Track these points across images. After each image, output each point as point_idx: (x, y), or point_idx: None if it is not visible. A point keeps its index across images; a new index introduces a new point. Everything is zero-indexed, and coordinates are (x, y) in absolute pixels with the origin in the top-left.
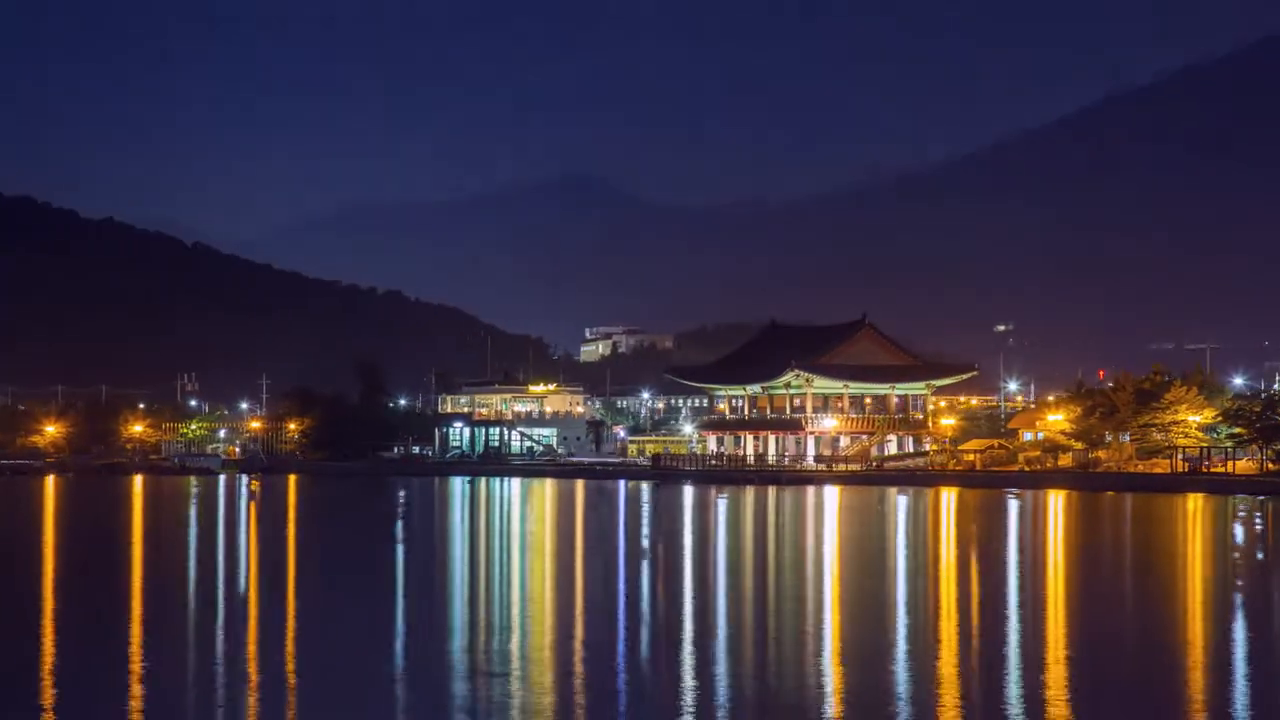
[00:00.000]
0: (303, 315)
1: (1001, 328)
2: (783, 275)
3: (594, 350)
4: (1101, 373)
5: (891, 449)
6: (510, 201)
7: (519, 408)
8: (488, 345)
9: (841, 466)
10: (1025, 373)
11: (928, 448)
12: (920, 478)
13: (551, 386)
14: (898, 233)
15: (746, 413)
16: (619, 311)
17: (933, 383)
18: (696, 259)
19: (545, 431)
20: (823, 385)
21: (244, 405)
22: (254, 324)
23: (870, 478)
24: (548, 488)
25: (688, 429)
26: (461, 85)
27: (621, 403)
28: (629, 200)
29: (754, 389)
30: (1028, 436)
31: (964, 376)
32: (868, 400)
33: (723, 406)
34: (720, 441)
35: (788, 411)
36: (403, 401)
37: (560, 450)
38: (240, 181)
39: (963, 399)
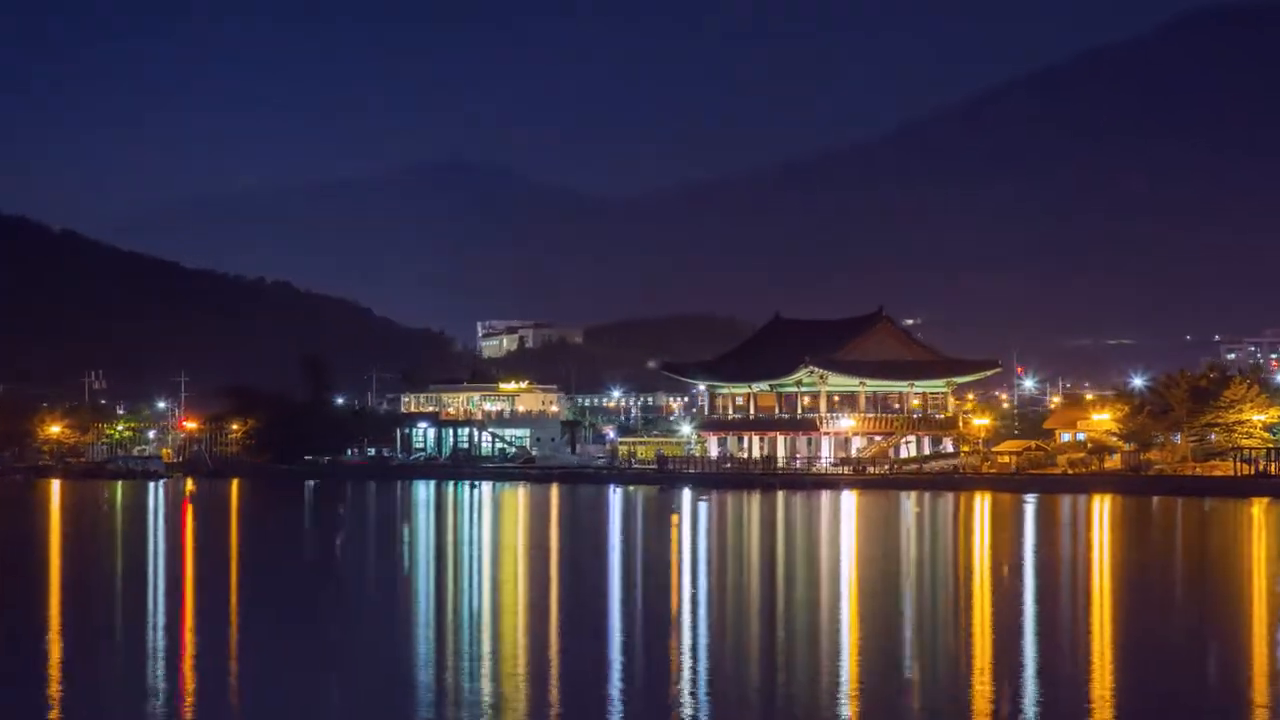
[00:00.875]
0: (198, 308)
1: (910, 322)
2: (696, 266)
3: (497, 345)
4: (1021, 369)
5: (910, 451)
6: (396, 188)
7: (489, 407)
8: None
9: (869, 470)
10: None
11: (950, 448)
12: (954, 481)
13: (524, 384)
14: (807, 218)
15: (752, 412)
16: (515, 305)
17: (953, 380)
18: (593, 249)
19: (518, 432)
20: (838, 382)
21: (161, 404)
22: (144, 317)
23: (896, 481)
24: (553, 497)
25: (685, 429)
26: (342, 66)
27: (586, 401)
28: (524, 188)
29: (760, 386)
30: (1065, 437)
31: (986, 373)
32: (889, 399)
33: (718, 403)
34: (722, 443)
35: (799, 411)
36: (357, 401)
37: (535, 451)
38: (110, 166)
39: (1000, 396)
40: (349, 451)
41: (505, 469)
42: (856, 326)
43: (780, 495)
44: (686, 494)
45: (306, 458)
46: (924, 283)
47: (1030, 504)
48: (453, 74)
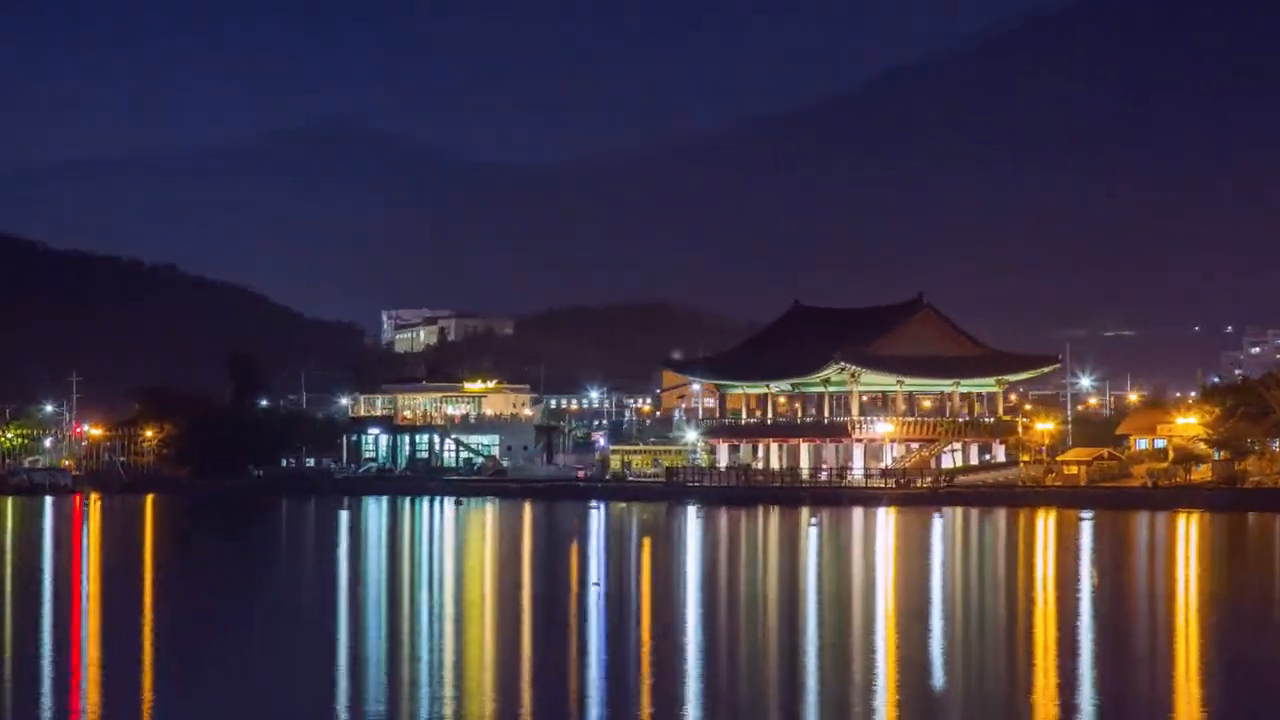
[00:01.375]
0: (71, 295)
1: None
2: (629, 246)
3: (413, 338)
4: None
5: (954, 460)
6: (280, 157)
7: (451, 410)
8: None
9: (914, 483)
10: None
11: (1001, 457)
12: (1013, 495)
13: (492, 384)
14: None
15: (770, 415)
16: (427, 293)
17: (1005, 378)
18: (511, 228)
19: (485, 439)
20: (871, 381)
21: (49, 408)
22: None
23: (945, 496)
24: (525, 518)
25: (690, 436)
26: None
27: (555, 402)
28: (430, 158)
29: (780, 386)
30: (1141, 444)
31: (1044, 370)
32: (930, 400)
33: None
34: (735, 451)
35: (827, 414)
36: (282, 403)
37: (507, 462)
38: None
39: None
40: (285, 462)
41: (472, 481)
42: (892, 316)
43: (805, 513)
44: (691, 512)
45: (253, 469)
46: (885, 267)
47: (1088, 521)
48: (344, 34)
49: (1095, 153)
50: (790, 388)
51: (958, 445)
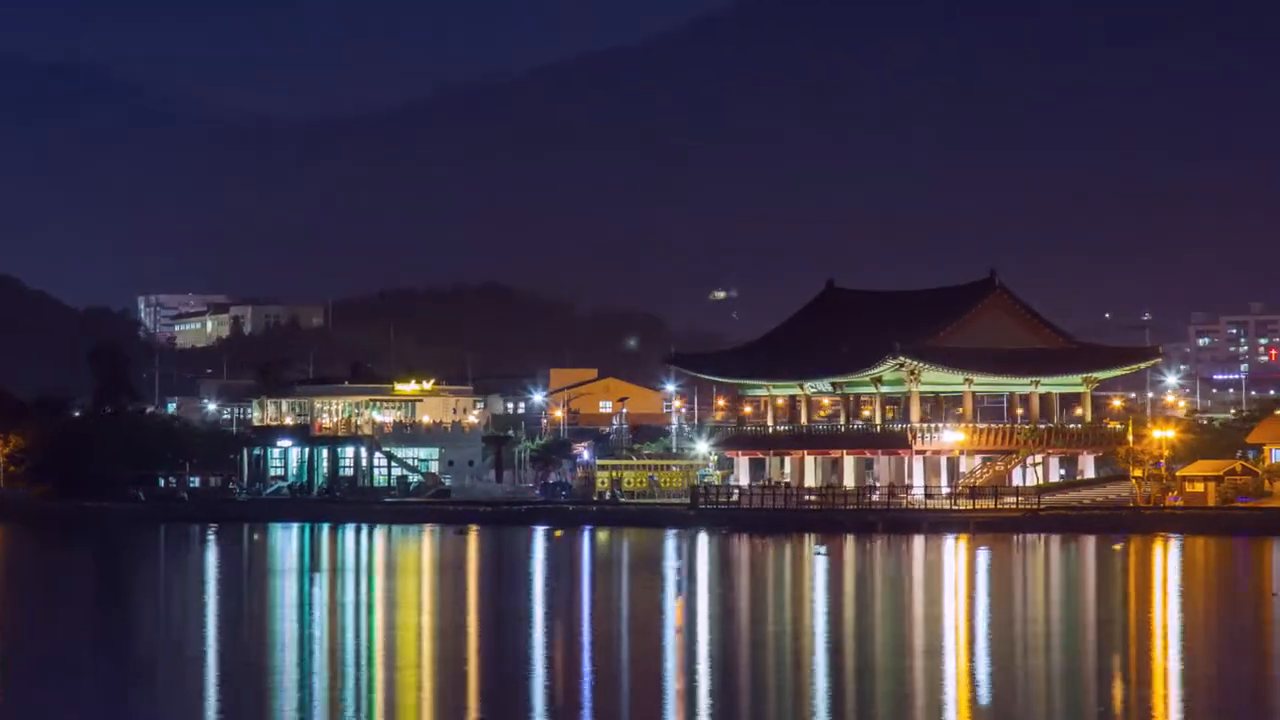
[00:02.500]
0: None
1: (720, 295)
2: (428, 213)
3: (200, 330)
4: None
5: (1032, 477)
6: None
7: (380, 417)
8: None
9: (987, 503)
10: None
11: (1090, 471)
12: (1123, 520)
13: (428, 384)
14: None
15: (804, 422)
16: (198, 275)
17: (1094, 375)
18: (291, 194)
19: (423, 452)
20: (934, 379)
21: None
22: None
23: (1038, 522)
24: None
25: (702, 448)
26: None
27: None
28: (187, 112)
29: (817, 386)
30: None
31: (1142, 365)
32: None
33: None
34: (758, 466)
35: (879, 421)
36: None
37: (449, 480)
38: None
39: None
40: (161, 482)
41: (409, 504)
42: (960, 300)
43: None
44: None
45: (135, 491)
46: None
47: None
48: None
49: None
50: (830, 388)
51: (1038, 458)
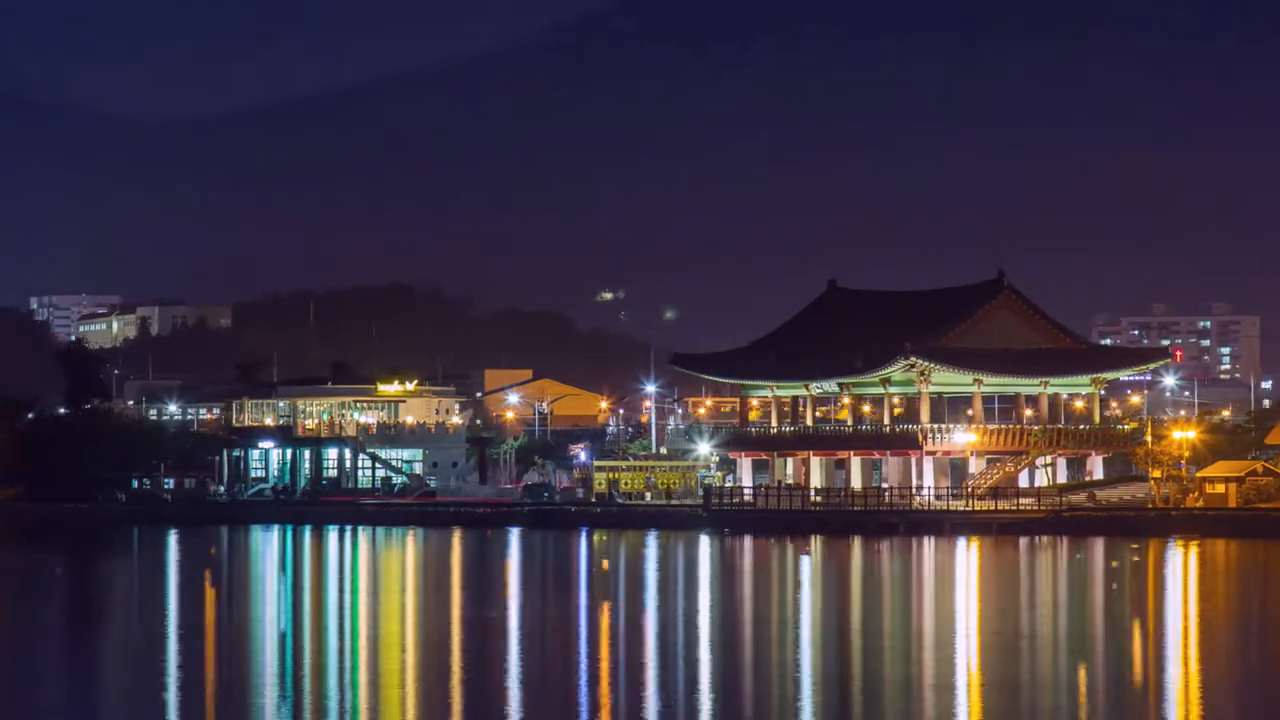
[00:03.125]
0: None
1: (608, 295)
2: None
3: (106, 330)
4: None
5: (1041, 479)
6: None
7: (363, 418)
8: None
9: (1008, 504)
10: None
11: (1098, 472)
12: (1141, 523)
13: (411, 385)
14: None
15: (810, 423)
16: (86, 275)
17: (1102, 376)
18: (168, 195)
19: (406, 453)
20: (944, 380)
21: None
22: None
23: (1060, 523)
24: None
25: (702, 449)
26: None
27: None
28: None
29: (824, 386)
30: None
31: (1152, 366)
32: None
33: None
34: (761, 468)
35: (886, 421)
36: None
37: (434, 482)
38: None
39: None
40: (135, 484)
41: (394, 506)
42: (968, 300)
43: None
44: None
45: (116, 492)
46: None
47: None
48: None
49: None
50: (837, 388)
51: (1048, 459)
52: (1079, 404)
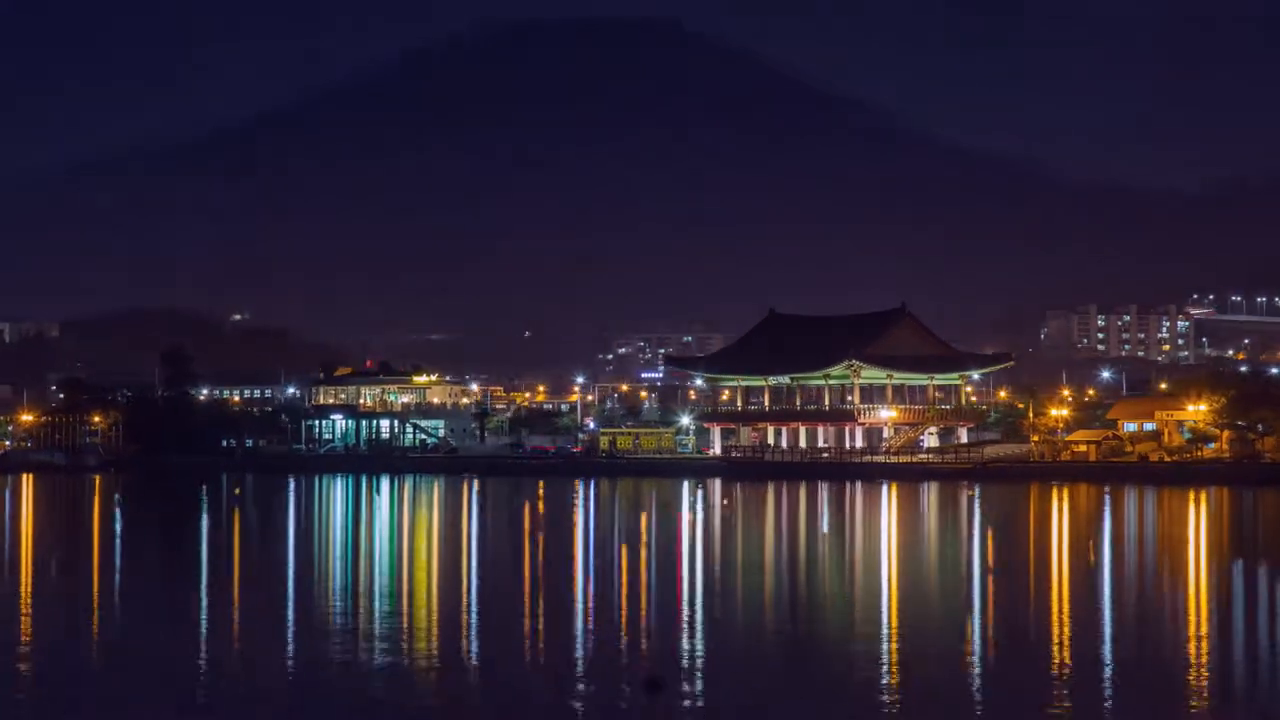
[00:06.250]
0: None
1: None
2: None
3: None
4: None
5: (930, 441)
6: None
7: (403, 399)
8: None
9: (926, 457)
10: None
11: (964, 438)
12: (1027, 470)
13: (433, 377)
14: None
15: (768, 404)
16: None
17: (967, 373)
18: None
19: (432, 423)
20: (869, 376)
21: None
22: None
23: (982, 472)
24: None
25: (684, 420)
26: None
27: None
28: None
29: (779, 380)
30: (1130, 427)
31: (999, 367)
32: (910, 391)
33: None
34: (727, 435)
35: (828, 402)
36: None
37: (453, 442)
38: None
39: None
40: (228, 443)
41: (429, 459)
42: (882, 323)
43: (829, 486)
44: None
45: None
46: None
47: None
48: None
49: None
50: (789, 381)
51: (934, 428)
52: (969, 392)
